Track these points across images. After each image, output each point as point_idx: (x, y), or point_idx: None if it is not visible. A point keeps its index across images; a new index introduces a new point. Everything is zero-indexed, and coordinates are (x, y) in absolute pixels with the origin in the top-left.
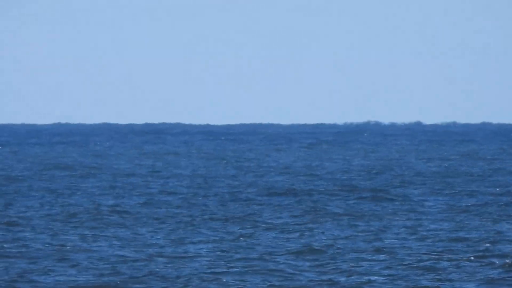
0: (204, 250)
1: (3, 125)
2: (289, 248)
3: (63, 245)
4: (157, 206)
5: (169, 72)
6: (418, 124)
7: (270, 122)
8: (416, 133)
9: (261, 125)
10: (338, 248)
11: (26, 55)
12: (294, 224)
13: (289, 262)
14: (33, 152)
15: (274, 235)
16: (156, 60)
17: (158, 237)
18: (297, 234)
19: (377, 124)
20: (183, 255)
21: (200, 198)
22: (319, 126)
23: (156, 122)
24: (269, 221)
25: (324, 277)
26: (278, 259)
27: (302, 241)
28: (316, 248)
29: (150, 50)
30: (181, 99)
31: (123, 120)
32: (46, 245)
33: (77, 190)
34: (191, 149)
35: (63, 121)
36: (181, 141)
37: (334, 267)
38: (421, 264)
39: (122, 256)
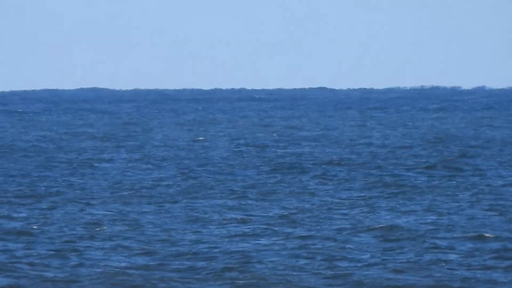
0: (254, 227)
1: (24, 91)
2: (350, 224)
3: (97, 223)
4: (198, 178)
5: (205, 34)
6: (482, 88)
7: (320, 86)
8: (480, 98)
9: (305, 90)
10: (404, 224)
11: (51, 16)
12: (352, 199)
13: (352, 239)
14: (58, 121)
15: (330, 210)
16: (192, 22)
17: (201, 212)
18: (357, 210)
19: (435, 88)
20: (229, 233)
21: (248, 170)
22: (372, 91)
23: (192, 87)
24: (324, 195)
25: (394, 256)
26: (339, 237)
27: (363, 216)
28: (381, 225)
29: (186, 12)
30: (219, 63)
31: (152, 86)
32: (79, 222)
33: (109, 162)
34: (233, 117)
35: (86, 86)
36: (220, 108)
37: (405, 245)
38: (502, 243)
39: (163, 233)
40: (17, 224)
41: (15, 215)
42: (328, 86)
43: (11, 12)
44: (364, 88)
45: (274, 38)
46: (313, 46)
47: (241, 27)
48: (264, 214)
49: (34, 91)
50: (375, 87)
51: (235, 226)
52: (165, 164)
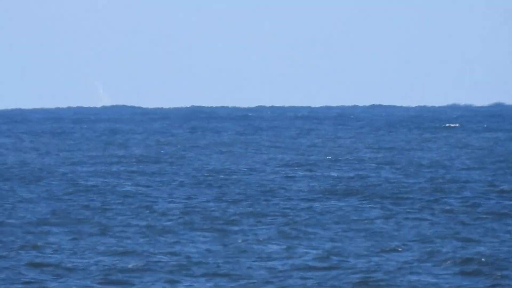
0: (303, 260)
1: (46, 109)
2: (418, 256)
3: (132, 252)
4: (241, 204)
5: (240, 49)
6: None
7: (372, 104)
8: None
9: (355, 108)
10: (480, 255)
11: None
12: (417, 227)
13: (421, 272)
14: (86, 140)
15: (393, 240)
16: (227, 35)
17: (243, 243)
18: (424, 240)
19: (499, 105)
20: (274, 266)
21: (296, 195)
22: (428, 109)
23: (226, 105)
24: (383, 222)
25: None
26: (405, 271)
27: (432, 247)
28: (455, 256)
29: (221, 24)
30: (257, 79)
31: (182, 103)
32: (112, 252)
33: (141, 186)
34: (276, 137)
35: (111, 103)
36: (260, 127)
37: (482, 279)
38: None
39: (202, 265)
40: (44, 254)
41: (41, 244)
42: (381, 103)
43: (31, 28)
44: (421, 106)
45: (318, 52)
46: (363, 60)
47: (281, 40)
48: (315, 245)
49: (58, 109)
50: (431, 104)
51: (282, 260)
52: (203, 189)
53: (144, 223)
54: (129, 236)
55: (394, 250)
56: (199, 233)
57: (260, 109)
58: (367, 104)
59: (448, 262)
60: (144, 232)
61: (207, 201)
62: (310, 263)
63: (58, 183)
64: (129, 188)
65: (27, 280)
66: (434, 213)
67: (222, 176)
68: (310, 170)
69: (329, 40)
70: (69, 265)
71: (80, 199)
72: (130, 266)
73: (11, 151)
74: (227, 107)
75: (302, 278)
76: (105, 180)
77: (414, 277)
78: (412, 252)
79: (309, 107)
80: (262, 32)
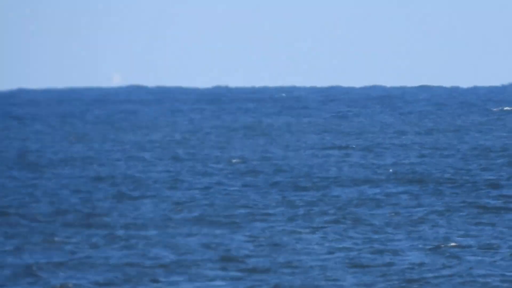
0: (351, 262)
1: (51, 89)
2: (501, 252)
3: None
4: (294, 193)
5: (277, 27)
6: None
7: (419, 84)
8: None
9: (398, 89)
10: None
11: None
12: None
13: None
14: (104, 124)
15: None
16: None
17: (287, 240)
18: (505, 234)
19: None
20: (321, 263)
21: (343, 186)
22: (478, 88)
23: (255, 85)
24: (449, 224)
25: None
26: (490, 266)
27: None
28: None
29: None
30: (296, 57)
31: (199, 84)
32: (137, 253)
33: (164, 173)
34: (315, 118)
35: (127, 83)
36: (293, 108)
37: None
38: None
39: (236, 261)
40: (63, 248)
41: (59, 237)
42: (429, 84)
43: (48, 11)
44: (472, 87)
45: (360, 30)
46: (408, 38)
47: (320, 17)
48: (361, 237)
49: (64, 89)
50: (482, 85)
51: (322, 254)
52: (233, 176)
53: (169, 213)
54: (153, 228)
55: (451, 243)
56: (228, 224)
57: (292, 89)
58: (414, 84)
59: (510, 256)
60: (169, 224)
61: (238, 189)
62: (356, 258)
63: (75, 172)
64: (152, 175)
65: (47, 276)
66: (493, 201)
67: (253, 162)
68: (352, 156)
69: (373, 17)
70: (90, 260)
71: (97, 188)
72: (155, 259)
73: (18, 135)
74: (254, 87)
75: (346, 275)
76: (126, 167)
77: (473, 272)
78: (470, 245)
79: (351, 88)
80: (300, 8)
